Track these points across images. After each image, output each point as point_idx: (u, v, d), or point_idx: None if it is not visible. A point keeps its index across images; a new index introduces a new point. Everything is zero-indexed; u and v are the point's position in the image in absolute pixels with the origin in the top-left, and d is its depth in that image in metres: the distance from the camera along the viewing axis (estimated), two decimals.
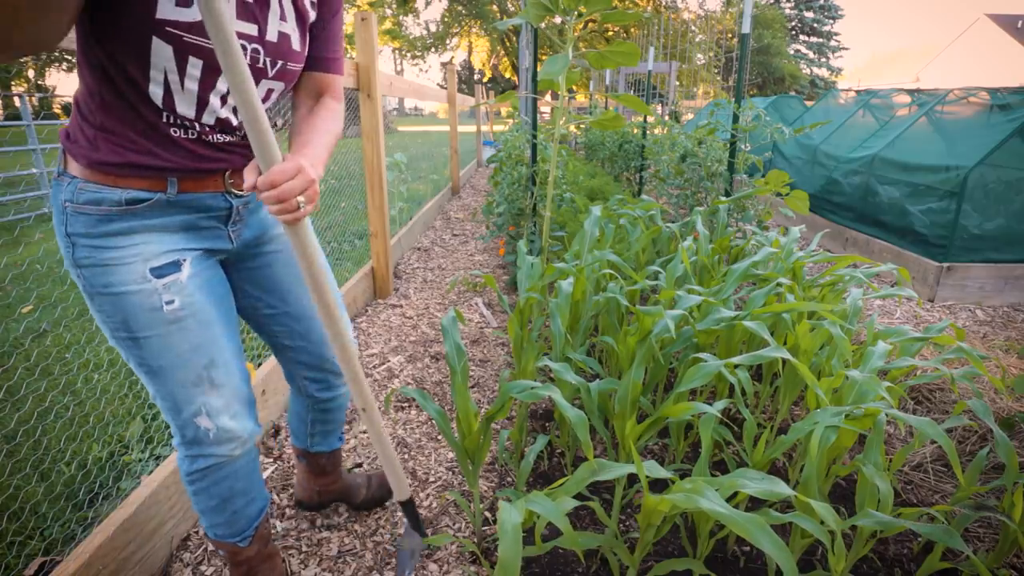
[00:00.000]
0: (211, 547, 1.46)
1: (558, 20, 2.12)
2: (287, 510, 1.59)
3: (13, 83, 16.87)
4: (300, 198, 0.83)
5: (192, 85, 0.86)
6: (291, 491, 1.65)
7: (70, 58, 12.94)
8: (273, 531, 1.49)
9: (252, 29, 0.87)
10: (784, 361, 1.77)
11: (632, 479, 1.64)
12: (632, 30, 14.92)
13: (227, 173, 0.98)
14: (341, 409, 1.42)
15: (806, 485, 1.15)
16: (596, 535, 1.17)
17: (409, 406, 2.17)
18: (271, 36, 0.91)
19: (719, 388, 1.79)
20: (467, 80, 36.46)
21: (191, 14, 0.79)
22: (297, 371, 1.28)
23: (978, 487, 1.34)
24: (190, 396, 0.98)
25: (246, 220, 1.08)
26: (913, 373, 2.20)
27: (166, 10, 0.78)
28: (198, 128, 0.91)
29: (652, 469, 1.08)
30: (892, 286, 3.31)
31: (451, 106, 6.73)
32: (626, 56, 1.97)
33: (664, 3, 21.25)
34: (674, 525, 1.50)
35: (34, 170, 6.33)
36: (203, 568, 1.41)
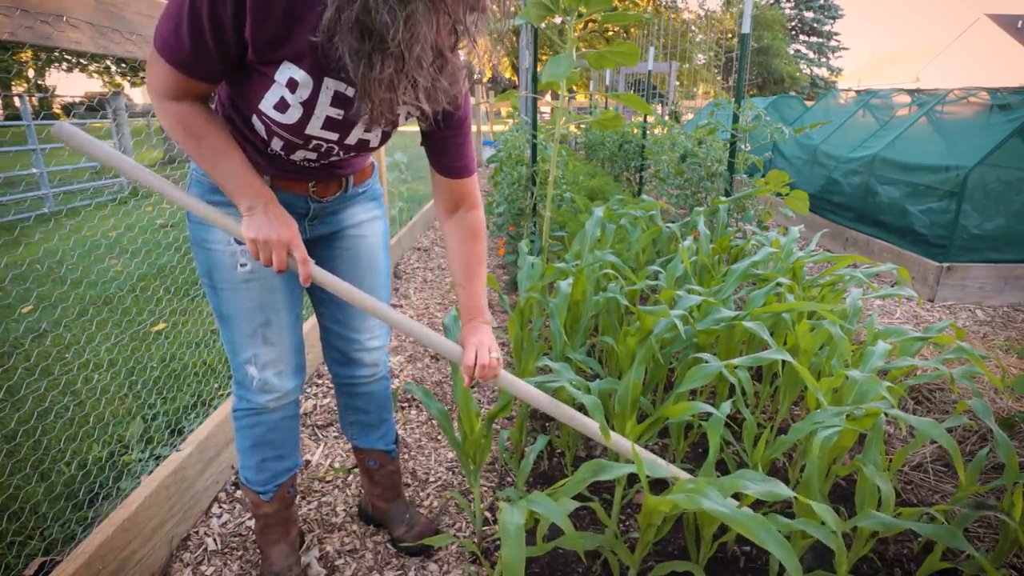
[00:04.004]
0: (238, 492, 1.66)
1: (558, 20, 2.13)
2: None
3: (13, 83, 16.85)
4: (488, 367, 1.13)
5: (277, 147, 1.03)
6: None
7: (70, 59, 12.92)
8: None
9: (333, 136, 1.01)
10: (784, 361, 1.77)
11: (632, 479, 1.64)
12: (632, 30, 14.91)
13: (311, 183, 1.13)
14: (369, 398, 1.41)
15: (807, 486, 1.15)
16: (597, 535, 1.17)
17: (409, 406, 2.17)
18: (350, 141, 1.03)
19: (719, 388, 1.79)
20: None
21: (281, 118, 0.94)
22: (328, 350, 1.39)
23: (978, 487, 1.33)
24: (245, 345, 1.16)
25: (324, 219, 1.22)
26: (913, 373, 2.20)
27: (266, 106, 0.94)
28: (285, 158, 1.07)
29: (652, 469, 1.08)
30: (892, 286, 3.31)
31: None
32: (626, 56, 1.97)
33: (664, 3, 21.25)
34: (675, 525, 1.50)
35: (34, 170, 6.33)
36: (203, 568, 1.41)
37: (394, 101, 0.87)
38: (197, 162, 0.99)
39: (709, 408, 1.22)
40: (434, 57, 0.85)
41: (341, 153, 1.07)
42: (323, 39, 0.81)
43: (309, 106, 0.93)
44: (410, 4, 0.75)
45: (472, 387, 1.13)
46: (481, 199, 1.22)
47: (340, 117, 0.97)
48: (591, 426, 1.23)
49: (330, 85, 0.92)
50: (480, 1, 0.82)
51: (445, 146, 1.12)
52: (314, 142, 1.01)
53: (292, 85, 0.90)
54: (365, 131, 1.02)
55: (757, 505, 1.55)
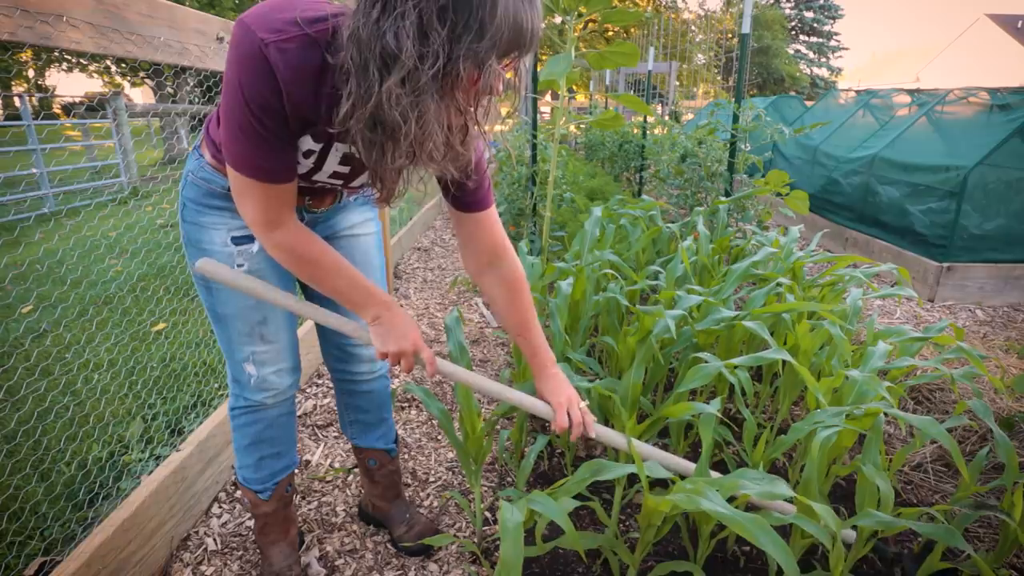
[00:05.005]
0: (238, 493, 1.66)
1: (558, 20, 2.13)
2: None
3: (13, 83, 16.82)
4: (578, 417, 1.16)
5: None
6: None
7: (70, 59, 12.90)
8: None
9: (339, 182, 1.06)
10: (784, 361, 1.77)
11: (632, 479, 1.64)
12: (632, 30, 14.91)
13: (307, 197, 1.14)
14: (368, 397, 1.42)
15: (807, 485, 1.15)
16: (596, 535, 1.17)
17: (409, 406, 2.17)
18: (355, 184, 1.09)
19: (719, 388, 1.79)
20: None
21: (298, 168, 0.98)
22: (326, 347, 1.39)
23: (978, 487, 1.33)
24: (242, 343, 1.18)
25: (316, 226, 1.23)
26: (913, 373, 2.20)
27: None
28: None
29: (652, 469, 1.08)
30: (892, 286, 3.32)
31: None
32: (626, 56, 1.98)
33: (664, 3, 21.24)
34: (675, 525, 1.50)
35: (34, 170, 6.33)
36: (203, 568, 1.41)
37: (404, 181, 0.93)
38: (316, 285, 1.05)
39: (708, 408, 1.22)
40: (446, 150, 0.87)
41: (343, 190, 1.14)
42: (339, 129, 0.84)
43: (318, 164, 0.99)
44: (421, 103, 0.77)
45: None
46: (510, 243, 1.17)
47: (347, 171, 1.03)
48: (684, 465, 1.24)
49: (339, 148, 0.98)
50: (493, 86, 0.80)
51: (470, 189, 1.09)
52: (319, 184, 1.06)
53: (308, 154, 0.96)
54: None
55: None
